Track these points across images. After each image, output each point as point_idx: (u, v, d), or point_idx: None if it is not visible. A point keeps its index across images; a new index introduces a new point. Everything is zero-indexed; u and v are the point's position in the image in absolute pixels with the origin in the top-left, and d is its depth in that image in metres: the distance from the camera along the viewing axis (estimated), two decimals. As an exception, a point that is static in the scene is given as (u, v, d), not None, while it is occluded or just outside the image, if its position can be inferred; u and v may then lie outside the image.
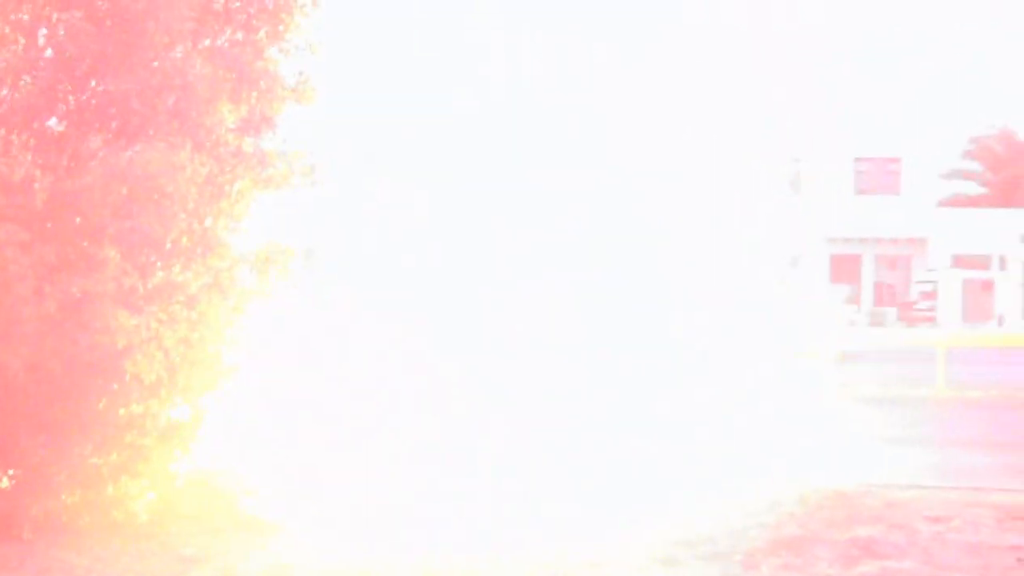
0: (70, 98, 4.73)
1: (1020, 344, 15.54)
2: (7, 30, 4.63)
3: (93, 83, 4.70)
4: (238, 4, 4.93)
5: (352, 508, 5.53)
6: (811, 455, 7.77)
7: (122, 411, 4.81)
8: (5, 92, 4.62)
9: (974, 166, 28.36)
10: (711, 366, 9.89)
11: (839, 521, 5.92)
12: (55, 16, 4.64)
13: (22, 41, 4.68)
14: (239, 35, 4.96)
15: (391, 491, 5.87)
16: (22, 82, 4.60)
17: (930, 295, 21.79)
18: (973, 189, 28.06)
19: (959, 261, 22.97)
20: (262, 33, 5.00)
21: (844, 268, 23.12)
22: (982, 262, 23.31)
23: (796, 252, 19.75)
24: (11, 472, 4.89)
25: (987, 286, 20.62)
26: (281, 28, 4.98)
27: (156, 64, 4.71)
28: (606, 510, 5.83)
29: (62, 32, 4.66)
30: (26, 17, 4.64)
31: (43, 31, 4.78)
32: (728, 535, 5.45)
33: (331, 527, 5.25)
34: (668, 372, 9.26)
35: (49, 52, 4.71)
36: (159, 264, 4.74)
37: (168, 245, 4.73)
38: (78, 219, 4.60)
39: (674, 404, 8.73)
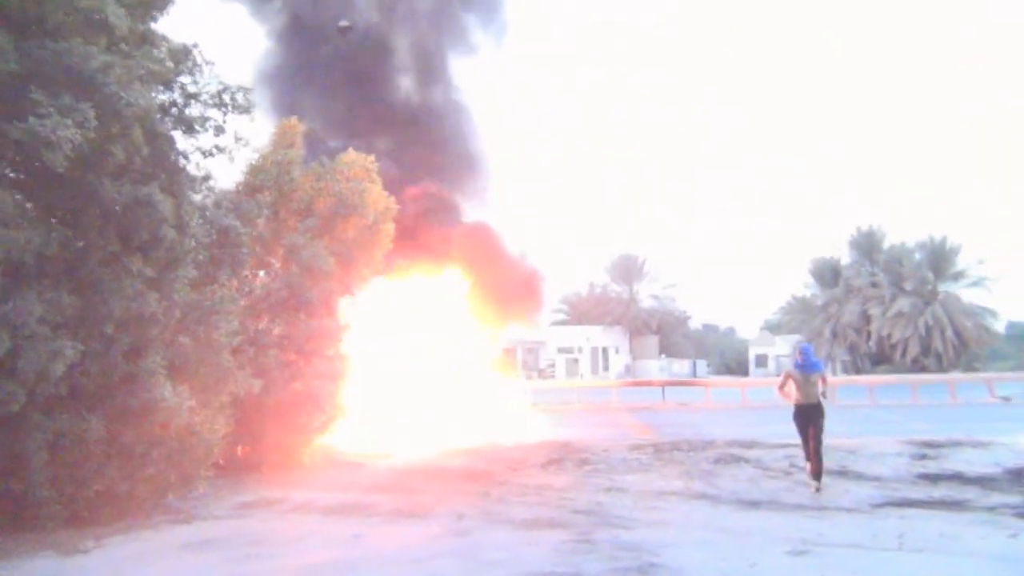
0: (290, 300, 12.19)
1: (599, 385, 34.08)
2: (264, 275, 12.12)
3: (297, 293, 12.22)
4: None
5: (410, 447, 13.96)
6: (547, 431, 17.26)
7: (303, 419, 12.22)
8: (264, 297, 12.06)
9: (565, 307, 62.57)
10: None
11: (568, 453, 13.41)
12: (291, 267, 12.21)
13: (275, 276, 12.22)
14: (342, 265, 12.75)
15: (422, 441, 14.49)
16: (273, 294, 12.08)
17: (552, 366, 49.92)
18: (563, 318, 61.51)
19: (560, 350, 51.03)
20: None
21: (505, 356, 47.55)
22: (570, 350, 51.28)
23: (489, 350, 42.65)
24: (257, 445, 12.05)
25: (575, 361, 46.14)
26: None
27: (321, 288, 12.32)
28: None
29: (290, 275, 12.22)
30: (276, 264, 12.21)
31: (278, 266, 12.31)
32: (524, 457, 13.60)
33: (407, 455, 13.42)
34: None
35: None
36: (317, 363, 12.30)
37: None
38: (293, 346, 12.06)
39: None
